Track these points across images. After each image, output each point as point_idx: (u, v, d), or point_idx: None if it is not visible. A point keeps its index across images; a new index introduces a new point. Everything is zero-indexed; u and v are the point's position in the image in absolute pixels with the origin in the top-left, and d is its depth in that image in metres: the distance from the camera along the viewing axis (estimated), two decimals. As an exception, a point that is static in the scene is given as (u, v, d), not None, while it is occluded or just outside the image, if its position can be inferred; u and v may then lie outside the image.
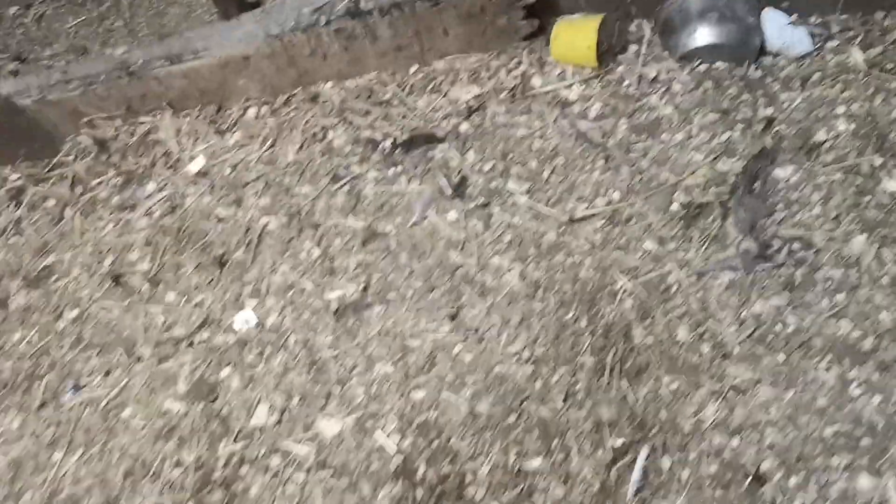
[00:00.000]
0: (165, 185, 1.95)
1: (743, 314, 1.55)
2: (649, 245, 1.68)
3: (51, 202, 1.98)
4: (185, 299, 1.79)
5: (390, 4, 1.80)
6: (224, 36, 1.84)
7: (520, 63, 1.98)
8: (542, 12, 1.95)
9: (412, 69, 2.00)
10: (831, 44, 1.86)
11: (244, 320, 1.72)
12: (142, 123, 2.00)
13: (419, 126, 1.93)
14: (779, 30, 1.86)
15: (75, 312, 1.82)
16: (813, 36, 1.86)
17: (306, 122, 1.97)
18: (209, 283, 1.80)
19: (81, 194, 1.97)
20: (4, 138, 1.92)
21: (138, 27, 2.48)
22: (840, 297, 1.53)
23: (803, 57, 1.85)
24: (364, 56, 1.93)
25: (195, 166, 1.95)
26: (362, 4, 1.80)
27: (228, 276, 1.80)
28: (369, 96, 1.99)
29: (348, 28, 1.83)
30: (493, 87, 1.95)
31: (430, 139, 1.91)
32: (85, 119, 1.97)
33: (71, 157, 2.01)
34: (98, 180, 1.98)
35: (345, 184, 1.88)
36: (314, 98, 2.00)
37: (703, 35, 1.84)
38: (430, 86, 1.98)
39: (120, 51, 1.85)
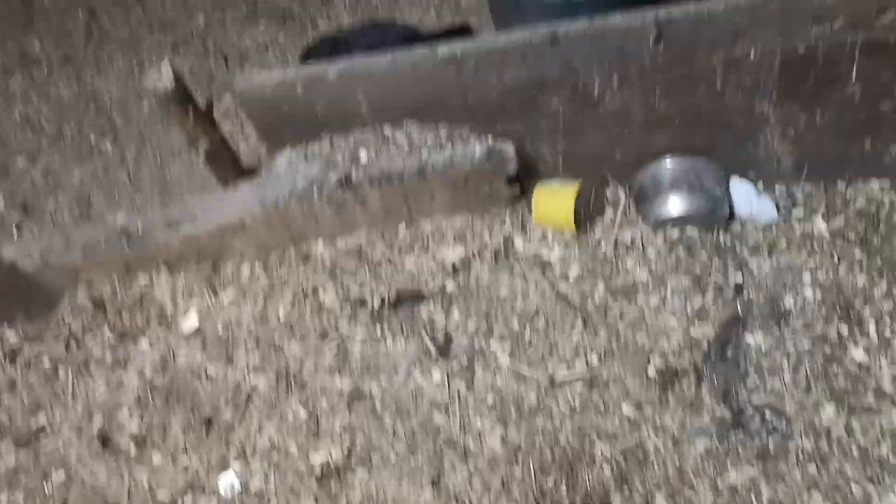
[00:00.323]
0: (158, 343, 2.01)
1: (719, 484, 1.58)
2: (627, 410, 1.72)
3: (45, 361, 2.02)
4: (171, 461, 1.81)
5: (379, 176, 1.90)
6: (222, 203, 1.94)
7: (503, 225, 2.07)
8: (524, 177, 2.06)
9: (401, 230, 2.09)
10: (796, 212, 1.96)
11: (228, 484, 1.74)
12: (138, 282, 2.07)
13: (407, 285, 2.00)
14: (746, 199, 1.97)
15: (62, 475, 1.83)
16: (778, 205, 1.96)
17: (298, 280, 2.05)
18: (196, 444, 1.82)
19: (76, 353, 2.03)
20: (4, 299, 1.99)
21: (141, 179, 2.60)
22: (812, 468, 1.57)
23: (770, 224, 1.95)
24: (355, 219, 2.02)
25: (188, 324, 2.01)
26: (353, 176, 1.90)
27: (215, 437, 1.83)
28: (359, 256, 2.07)
29: (339, 196, 1.93)
30: (478, 247, 2.04)
31: (417, 298, 1.99)
32: (84, 279, 2.04)
33: (68, 316, 2.07)
34: (93, 339, 2.04)
35: (333, 343, 1.94)
36: (306, 257, 2.08)
37: (674, 204, 1.94)
38: (418, 246, 2.07)
39: (121, 218, 1.94)
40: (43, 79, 2.96)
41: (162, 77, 1.72)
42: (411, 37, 2.31)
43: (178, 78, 1.74)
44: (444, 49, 1.79)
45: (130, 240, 1.96)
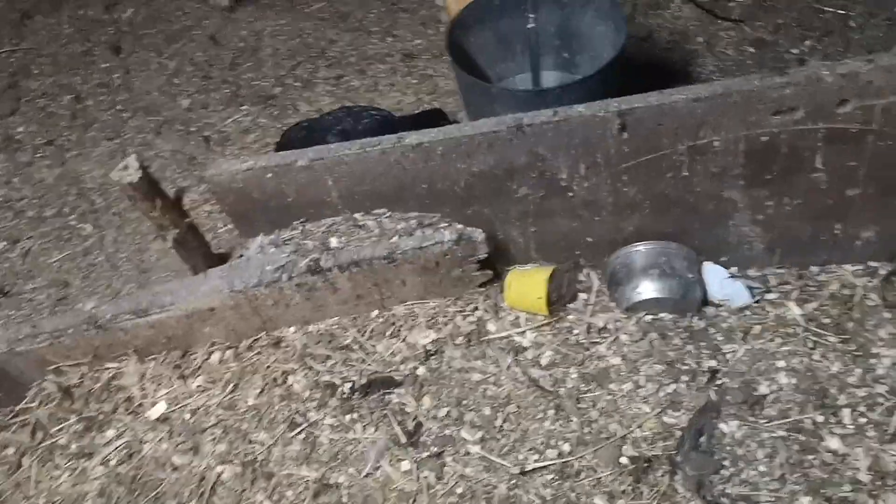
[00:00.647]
0: (125, 431, 1.97)
1: (692, 582, 1.54)
2: (599, 501, 1.68)
3: (10, 451, 1.99)
4: (130, 559, 1.76)
5: (349, 262, 1.90)
6: (191, 290, 1.93)
7: (476, 309, 2.06)
8: (496, 261, 2.05)
9: (372, 314, 2.08)
10: (770, 296, 1.95)
11: (189, 582, 1.69)
12: (107, 370, 2.05)
13: (378, 370, 1.98)
14: (719, 283, 1.96)
15: (18, 573, 1.78)
16: (751, 289, 1.95)
17: (268, 366, 2.02)
18: (157, 539, 1.78)
19: (41, 442, 1.99)
20: (-29, 387, 1.97)
21: (120, 262, 2.60)
22: (787, 565, 1.52)
23: (744, 308, 1.94)
24: (326, 304, 2.01)
25: (156, 412, 1.98)
26: (322, 262, 1.90)
27: (177, 531, 1.79)
28: (330, 341, 2.05)
29: (309, 282, 1.92)
30: (450, 332, 2.02)
31: (388, 383, 1.96)
32: (51, 367, 2.02)
33: (35, 404, 2.04)
34: (59, 427, 2.00)
35: (301, 431, 1.90)
36: (277, 343, 2.06)
37: (646, 289, 1.93)
38: (390, 330, 2.05)
39: (90, 305, 1.93)
40: (26, 161, 2.99)
41: (128, 170, 1.73)
42: (385, 121, 2.34)
43: (145, 170, 1.75)
44: (411, 138, 1.81)
45: (99, 327, 1.94)
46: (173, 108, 3.05)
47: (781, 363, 1.82)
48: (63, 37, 3.55)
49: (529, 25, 2.05)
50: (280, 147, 2.41)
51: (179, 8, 3.52)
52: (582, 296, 2.05)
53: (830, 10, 2.69)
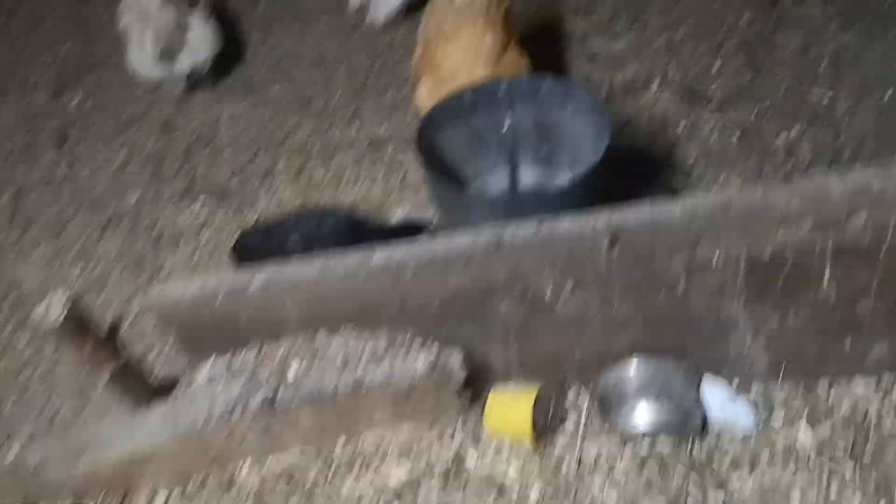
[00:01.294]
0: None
1: None
2: None
3: None
4: None
5: (310, 395, 1.69)
6: (129, 431, 1.71)
7: (453, 436, 1.85)
8: (475, 381, 1.86)
9: (338, 446, 1.86)
10: (777, 418, 1.76)
11: None
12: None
13: (344, 514, 1.76)
14: (720, 405, 1.77)
15: None
16: (757, 406, 1.78)
17: (219, 513, 1.79)
18: None
19: None
20: None
21: (58, 378, 2.36)
22: None
23: (750, 433, 1.76)
24: (285, 437, 1.80)
25: (90, 570, 1.74)
26: (280, 396, 1.69)
27: None
28: (290, 479, 1.82)
29: (265, 418, 1.71)
30: (426, 464, 1.80)
31: (356, 533, 1.73)
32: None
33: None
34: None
35: None
36: (230, 483, 1.83)
37: (641, 414, 1.74)
38: (358, 464, 1.83)
39: (15, 449, 1.69)
40: (-42, 269, 2.75)
41: (51, 310, 1.51)
42: (350, 223, 2.15)
43: (72, 306, 1.53)
44: (377, 258, 1.63)
45: (27, 472, 1.70)
46: (121, 203, 2.84)
47: (795, 497, 1.64)
48: (5, 128, 3.33)
49: (505, 129, 1.89)
50: (236, 253, 2.20)
51: (130, 94, 3.34)
52: (571, 419, 1.85)
53: (815, 93, 2.58)
